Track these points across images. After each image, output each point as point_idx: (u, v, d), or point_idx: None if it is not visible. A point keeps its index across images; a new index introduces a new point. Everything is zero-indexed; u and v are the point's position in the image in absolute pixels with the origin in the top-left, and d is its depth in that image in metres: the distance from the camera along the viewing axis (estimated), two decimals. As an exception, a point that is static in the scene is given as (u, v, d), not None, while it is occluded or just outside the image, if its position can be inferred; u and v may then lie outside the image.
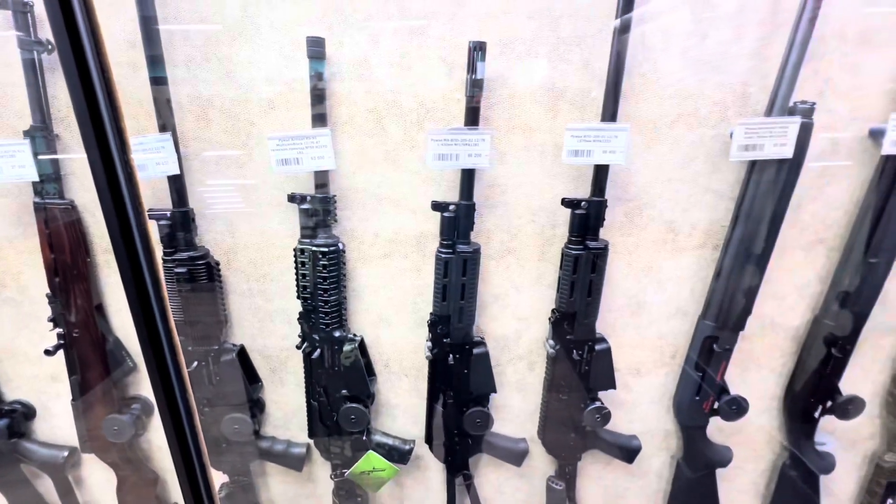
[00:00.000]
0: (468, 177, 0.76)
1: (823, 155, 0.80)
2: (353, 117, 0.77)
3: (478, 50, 0.69)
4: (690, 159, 0.79)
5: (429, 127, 0.77)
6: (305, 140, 0.71)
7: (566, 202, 0.77)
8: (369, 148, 0.79)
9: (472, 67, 0.70)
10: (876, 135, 0.78)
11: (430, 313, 0.83)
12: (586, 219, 0.77)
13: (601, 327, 0.90)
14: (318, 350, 0.84)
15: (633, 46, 0.73)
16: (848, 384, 0.95)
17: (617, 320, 0.89)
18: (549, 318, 0.85)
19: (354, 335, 0.86)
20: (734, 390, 0.95)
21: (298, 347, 0.85)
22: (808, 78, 0.75)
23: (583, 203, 0.77)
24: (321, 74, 0.71)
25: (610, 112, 0.72)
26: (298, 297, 0.82)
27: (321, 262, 0.78)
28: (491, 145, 0.76)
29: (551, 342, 0.85)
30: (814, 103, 0.71)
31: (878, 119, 0.78)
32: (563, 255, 0.80)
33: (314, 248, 0.78)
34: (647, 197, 0.81)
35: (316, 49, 0.70)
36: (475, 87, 0.70)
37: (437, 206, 0.77)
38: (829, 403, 0.91)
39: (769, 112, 0.73)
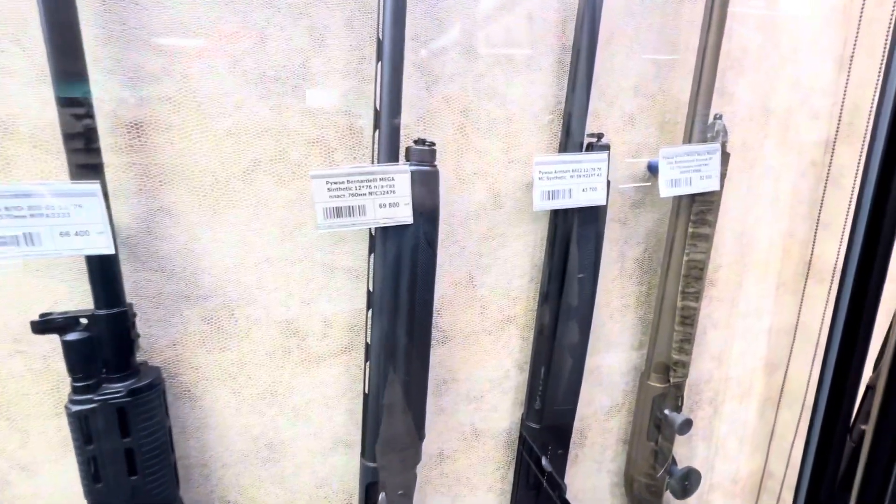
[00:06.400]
0: None
1: (484, 209, 0.59)
2: None
3: None
4: (294, 227, 0.52)
5: None
6: None
7: (36, 325, 0.42)
8: None
9: None
10: (541, 181, 0.60)
11: None
12: (91, 349, 0.43)
13: (220, 489, 0.57)
14: None
15: (135, 47, 0.43)
16: (579, 480, 0.76)
17: (242, 475, 0.57)
18: None
19: None
20: (450, 524, 0.70)
21: None
22: (438, 108, 0.54)
23: (80, 322, 0.43)
24: None
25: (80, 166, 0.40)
26: None
27: None
28: None
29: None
30: (432, 143, 0.48)
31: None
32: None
33: None
34: (236, 289, 0.51)
35: None
36: None
37: None
38: (556, 521, 0.70)
39: (377, 157, 0.49)
